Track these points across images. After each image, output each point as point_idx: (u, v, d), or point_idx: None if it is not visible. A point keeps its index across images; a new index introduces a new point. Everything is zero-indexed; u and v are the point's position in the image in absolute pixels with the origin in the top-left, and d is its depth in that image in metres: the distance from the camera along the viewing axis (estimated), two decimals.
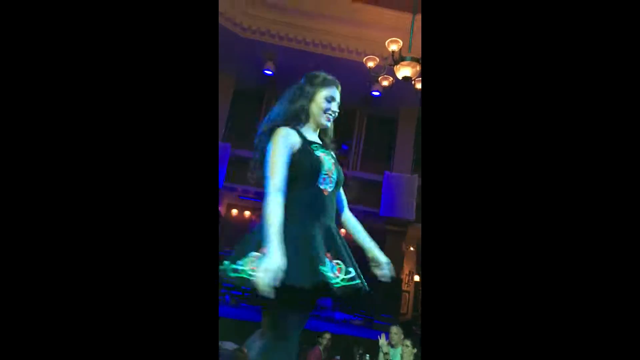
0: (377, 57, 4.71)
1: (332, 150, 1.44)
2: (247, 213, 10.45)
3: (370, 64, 4.71)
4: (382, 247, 1.43)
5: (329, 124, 1.41)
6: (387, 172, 7.24)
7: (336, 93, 1.40)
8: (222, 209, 10.05)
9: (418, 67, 4.38)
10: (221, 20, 6.17)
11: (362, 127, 8.29)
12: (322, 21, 6.42)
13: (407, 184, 7.07)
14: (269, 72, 7.10)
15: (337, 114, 1.39)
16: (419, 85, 4.66)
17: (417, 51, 4.07)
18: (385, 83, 4.89)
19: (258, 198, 9.15)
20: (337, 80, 1.41)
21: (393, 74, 4.63)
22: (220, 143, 6.98)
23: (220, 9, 6.10)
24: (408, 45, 4.51)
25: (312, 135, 1.40)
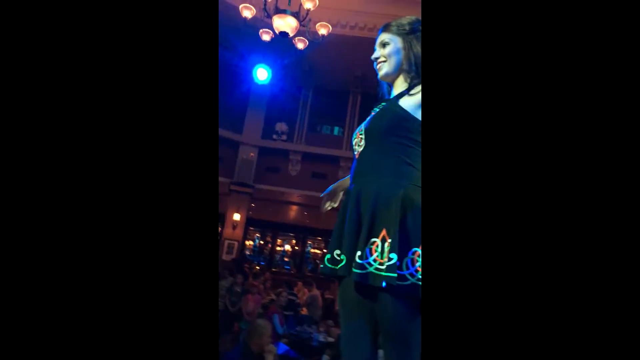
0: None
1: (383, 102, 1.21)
2: None
3: (247, 13, 4.29)
4: None
5: (380, 73, 1.21)
6: None
7: (378, 38, 1.20)
8: None
9: (297, 24, 3.95)
10: None
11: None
12: None
13: None
14: None
15: (380, 57, 1.19)
16: (300, 45, 4.28)
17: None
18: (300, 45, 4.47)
19: None
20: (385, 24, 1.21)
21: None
22: None
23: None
24: None
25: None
